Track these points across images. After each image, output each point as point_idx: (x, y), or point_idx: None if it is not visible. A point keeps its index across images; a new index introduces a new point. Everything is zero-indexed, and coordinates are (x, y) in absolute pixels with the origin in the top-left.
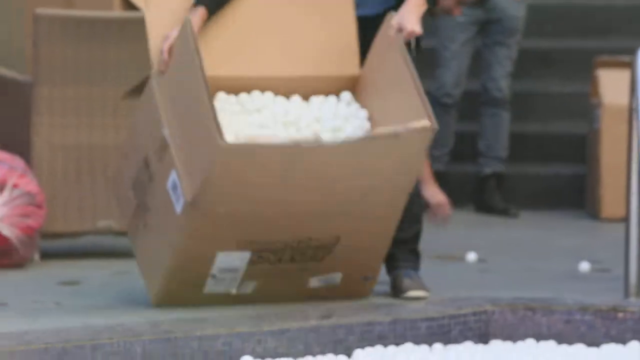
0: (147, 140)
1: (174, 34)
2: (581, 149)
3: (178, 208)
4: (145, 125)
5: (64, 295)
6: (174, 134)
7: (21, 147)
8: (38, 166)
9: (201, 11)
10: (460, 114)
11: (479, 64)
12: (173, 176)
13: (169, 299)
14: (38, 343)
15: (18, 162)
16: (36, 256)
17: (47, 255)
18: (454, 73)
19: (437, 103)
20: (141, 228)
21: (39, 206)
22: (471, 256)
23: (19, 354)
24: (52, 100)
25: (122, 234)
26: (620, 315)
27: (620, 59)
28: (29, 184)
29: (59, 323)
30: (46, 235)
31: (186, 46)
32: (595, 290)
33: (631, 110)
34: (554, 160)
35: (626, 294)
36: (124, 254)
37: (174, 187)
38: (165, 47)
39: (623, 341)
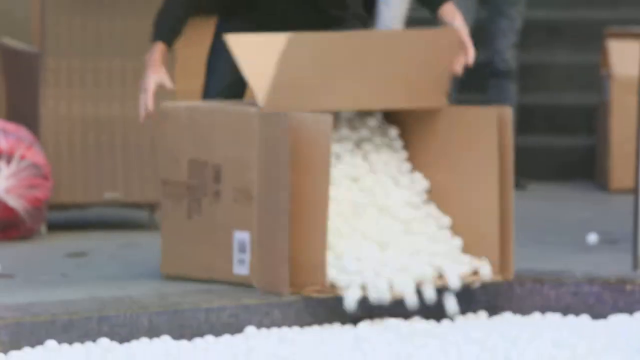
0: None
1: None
2: (590, 121)
3: (241, 270)
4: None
5: (70, 267)
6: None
7: (28, 119)
8: (45, 138)
9: (160, 46)
10: (467, 85)
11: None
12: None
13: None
14: (45, 314)
15: (25, 133)
16: (43, 228)
17: (54, 227)
18: None
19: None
20: (181, 210)
21: (45, 178)
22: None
23: (25, 325)
24: (59, 71)
25: (129, 205)
26: (629, 287)
27: (630, 30)
28: (36, 155)
29: (65, 295)
30: (53, 207)
31: None
32: (604, 262)
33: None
34: (563, 132)
35: (634, 266)
36: (131, 225)
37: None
38: (150, 101)
39: (631, 313)
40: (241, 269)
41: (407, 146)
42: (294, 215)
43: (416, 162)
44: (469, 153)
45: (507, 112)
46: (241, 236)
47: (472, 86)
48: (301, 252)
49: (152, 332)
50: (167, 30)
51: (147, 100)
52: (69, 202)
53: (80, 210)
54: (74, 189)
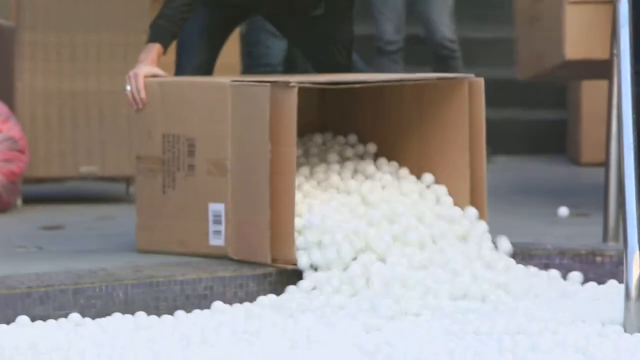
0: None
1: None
2: (562, 95)
3: (216, 242)
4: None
5: (46, 240)
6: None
7: (4, 93)
8: (21, 111)
9: (158, 48)
10: (413, 59)
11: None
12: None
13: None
14: (21, 287)
15: (1, 107)
16: (19, 201)
17: (29, 201)
18: (390, 20)
19: (382, 53)
20: (156, 181)
21: (21, 151)
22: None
23: (1, 297)
24: (35, 45)
25: (105, 179)
26: (599, 259)
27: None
28: (12, 129)
29: (41, 267)
30: (29, 181)
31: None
32: (574, 234)
33: (612, 56)
34: (535, 106)
35: (604, 238)
36: (107, 199)
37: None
38: (140, 84)
39: (601, 284)
40: (217, 240)
41: (375, 121)
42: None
43: (387, 135)
44: (440, 122)
45: (479, 82)
46: (216, 208)
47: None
48: (271, 223)
49: (128, 305)
50: (166, 34)
51: (139, 85)
52: (45, 176)
53: (56, 184)
54: (50, 163)
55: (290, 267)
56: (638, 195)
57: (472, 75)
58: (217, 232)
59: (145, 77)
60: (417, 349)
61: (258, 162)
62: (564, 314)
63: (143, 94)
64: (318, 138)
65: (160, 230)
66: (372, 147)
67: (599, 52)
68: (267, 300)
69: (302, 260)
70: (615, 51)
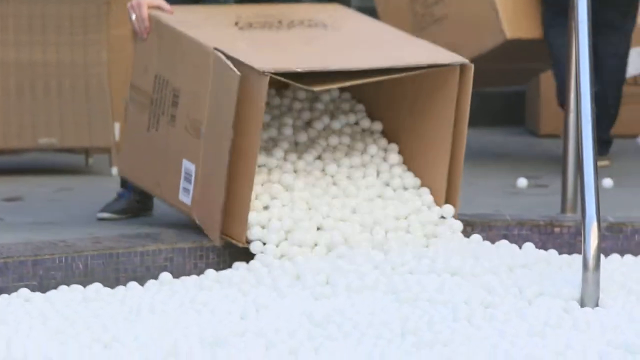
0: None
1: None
2: None
3: (185, 199)
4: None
5: (6, 212)
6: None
7: None
8: None
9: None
10: None
11: None
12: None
13: None
14: None
15: None
16: None
17: None
18: None
19: None
20: (141, 120)
21: None
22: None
23: None
24: None
25: (64, 150)
26: (557, 230)
27: None
28: None
29: (0, 238)
30: None
31: None
32: (533, 205)
33: (570, 27)
34: None
35: (563, 209)
36: (66, 171)
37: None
38: (144, 14)
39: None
40: (185, 198)
41: (364, 97)
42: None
43: (375, 111)
44: (428, 99)
45: (470, 67)
46: (189, 166)
47: None
48: (229, 200)
49: (88, 277)
50: None
51: (143, 14)
52: (4, 148)
53: (14, 156)
54: (8, 135)
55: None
56: (596, 166)
57: (466, 61)
58: (186, 190)
59: (149, 7)
60: (368, 318)
61: (220, 144)
62: (521, 285)
63: (147, 23)
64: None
65: (140, 163)
66: (377, 125)
67: (537, 32)
68: (220, 273)
69: (255, 245)
70: (573, 21)
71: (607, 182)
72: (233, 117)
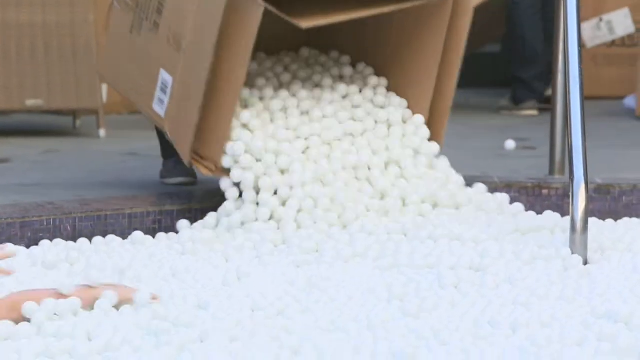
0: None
1: None
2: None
3: (158, 109)
4: None
5: None
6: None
7: None
8: None
9: None
10: None
11: None
12: (168, 79)
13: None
14: None
15: None
16: None
17: None
18: None
19: None
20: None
21: None
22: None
23: None
24: None
25: (51, 112)
26: (545, 192)
27: None
28: None
29: None
30: None
31: None
32: (521, 167)
33: None
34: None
35: (551, 171)
36: (53, 132)
37: (164, 88)
38: None
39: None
40: (159, 109)
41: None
42: (209, 87)
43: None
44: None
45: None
46: (166, 77)
47: None
48: (207, 123)
49: (76, 238)
50: None
51: None
52: None
53: (2, 117)
54: None
55: (211, 173)
56: (584, 128)
57: None
58: (161, 101)
59: None
60: (353, 284)
61: (200, 63)
62: (508, 247)
63: None
64: (305, 51)
65: (120, 69)
66: (383, 81)
67: None
68: (204, 233)
69: (235, 173)
70: None
71: (510, 144)
72: (215, 38)
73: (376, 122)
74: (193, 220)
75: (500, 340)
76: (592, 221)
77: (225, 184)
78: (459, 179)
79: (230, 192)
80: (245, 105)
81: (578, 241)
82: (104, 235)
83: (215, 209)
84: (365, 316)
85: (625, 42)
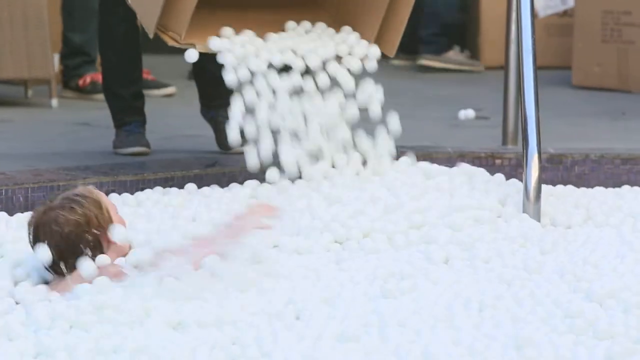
0: None
1: None
2: None
3: None
4: None
5: None
6: None
7: None
8: None
9: None
10: None
11: None
12: None
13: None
14: None
15: None
16: None
17: None
18: None
19: None
20: None
21: None
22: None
23: None
24: None
25: (2, 82)
26: (498, 161)
27: None
28: None
29: None
30: None
31: None
32: (475, 137)
33: None
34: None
35: (504, 141)
36: (5, 102)
37: None
38: None
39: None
40: None
41: None
42: None
43: None
44: None
45: None
46: None
47: None
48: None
49: (29, 209)
50: None
51: None
52: None
53: None
54: None
55: (177, 44)
56: (537, 98)
57: None
58: None
59: None
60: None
61: None
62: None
63: None
64: None
65: None
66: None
67: None
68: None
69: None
70: None
71: (465, 113)
72: None
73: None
74: (147, 191)
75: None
76: (546, 188)
77: (190, 55)
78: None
79: (192, 55)
80: None
81: (531, 210)
82: None
83: (169, 179)
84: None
85: (566, 12)
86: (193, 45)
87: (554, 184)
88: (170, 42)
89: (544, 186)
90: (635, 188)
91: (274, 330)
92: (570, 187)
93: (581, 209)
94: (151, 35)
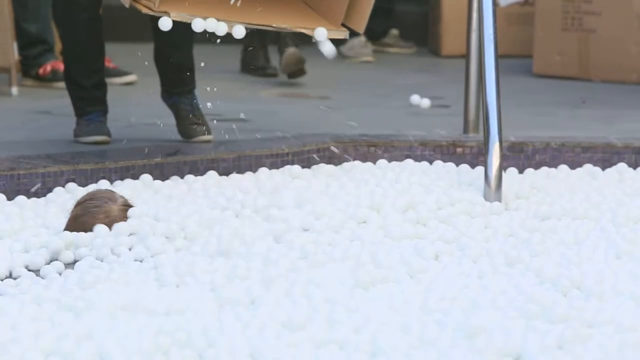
0: None
1: None
2: None
3: None
4: None
5: None
6: None
7: None
8: None
9: None
10: None
11: None
12: None
13: None
14: None
15: None
16: None
17: None
18: None
19: None
20: None
21: None
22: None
23: None
24: None
25: None
26: (459, 150)
27: None
28: None
29: None
30: None
31: None
32: (436, 126)
33: None
34: None
35: (465, 129)
36: None
37: None
38: None
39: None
40: None
41: None
42: None
43: None
44: None
45: None
46: None
47: None
48: None
49: None
50: None
51: None
52: None
53: None
54: None
55: (151, 12)
56: (498, 87)
57: None
58: None
59: None
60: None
61: None
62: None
63: None
64: None
65: None
66: None
67: None
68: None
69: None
70: None
71: (424, 101)
72: None
73: None
74: (107, 179)
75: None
76: (506, 174)
77: (164, 23)
78: None
79: (165, 24)
80: None
81: (492, 198)
82: (15, 195)
83: (130, 168)
84: None
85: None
86: (167, 14)
87: (515, 172)
88: (144, 10)
89: (504, 173)
90: (597, 174)
91: (220, 318)
92: (531, 173)
93: (541, 196)
94: (127, 6)
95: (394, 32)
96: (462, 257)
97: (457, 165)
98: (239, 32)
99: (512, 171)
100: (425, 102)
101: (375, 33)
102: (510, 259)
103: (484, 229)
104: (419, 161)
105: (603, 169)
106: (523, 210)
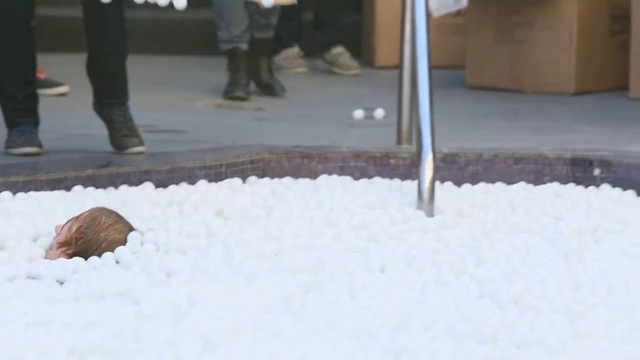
0: None
1: None
2: None
3: None
4: None
5: None
6: None
7: None
8: None
9: None
10: None
11: None
12: None
13: None
14: None
15: None
16: None
17: None
18: None
19: None
20: None
21: None
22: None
23: None
24: None
25: None
26: (393, 161)
27: None
28: None
29: None
30: None
31: None
32: (369, 137)
33: None
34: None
35: (398, 140)
36: None
37: None
38: None
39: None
40: None
41: None
42: None
43: None
44: None
45: None
46: None
47: None
48: None
49: None
50: None
51: None
52: None
53: None
54: None
55: None
56: (431, 98)
57: None
58: None
59: None
60: None
61: None
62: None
63: None
64: None
65: None
66: None
67: None
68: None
69: None
70: None
71: (358, 113)
72: None
73: None
74: (39, 191)
75: None
76: (440, 187)
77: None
78: None
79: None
80: None
81: (425, 209)
82: None
83: (62, 180)
84: None
85: (460, 11)
86: None
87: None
88: None
89: (437, 185)
90: (529, 186)
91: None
92: (464, 186)
93: (475, 208)
94: None
95: (339, 49)
96: (407, 269)
97: (391, 177)
98: (181, 3)
99: (445, 183)
100: (359, 114)
101: (318, 44)
102: (455, 271)
103: (412, 241)
104: (352, 173)
105: (535, 180)
106: (454, 221)
